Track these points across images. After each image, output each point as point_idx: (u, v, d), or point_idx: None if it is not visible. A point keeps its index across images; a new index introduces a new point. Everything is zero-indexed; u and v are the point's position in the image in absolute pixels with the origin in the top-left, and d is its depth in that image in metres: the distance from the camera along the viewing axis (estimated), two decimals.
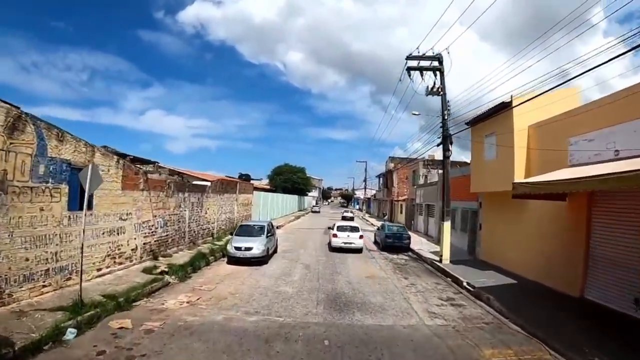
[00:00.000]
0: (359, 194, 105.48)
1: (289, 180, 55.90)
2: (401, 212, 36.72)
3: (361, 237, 18.71)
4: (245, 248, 13.95)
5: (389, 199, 44.64)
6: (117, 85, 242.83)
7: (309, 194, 77.71)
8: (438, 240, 24.25)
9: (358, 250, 18.21)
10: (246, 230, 15.36)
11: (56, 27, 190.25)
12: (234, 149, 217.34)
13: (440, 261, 15.99)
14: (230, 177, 25.15)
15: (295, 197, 55.62)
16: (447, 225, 16.18)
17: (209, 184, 19.00)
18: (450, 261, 16.05)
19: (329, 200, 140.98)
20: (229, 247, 14.41)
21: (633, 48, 7.29)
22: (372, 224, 39.12)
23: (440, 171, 31.21)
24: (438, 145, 17.70)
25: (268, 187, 55.38)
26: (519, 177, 13.27)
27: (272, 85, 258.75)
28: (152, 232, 13.58)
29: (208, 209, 18.81)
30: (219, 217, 20.43)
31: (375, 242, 21.79)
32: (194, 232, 17.31)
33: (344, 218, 32.07)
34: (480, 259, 17.10)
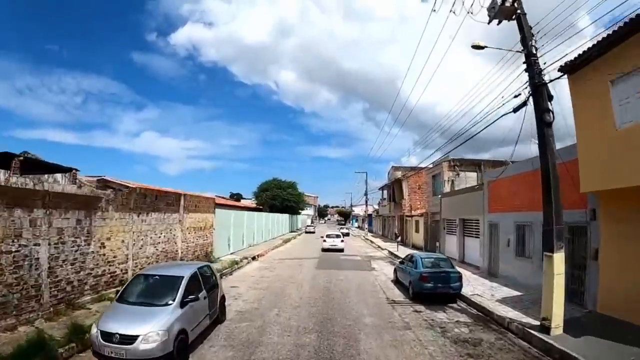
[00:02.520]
0: (358, 210, 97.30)
1: (278, 197, 47.77)
2: (417, 231, 28.62)
3: (342, 241, 26.33)
4: (122, 338, 5.93)
5: (397, 214, 36.56)
6: (111, 108, 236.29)
7: (303, 212, 69.45)
8: (489, 273, 16.22)
9: (340, 250, 24.91)
10: (142, 290, 7.30)
11: (50, 50, 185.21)
12: (229, 169, 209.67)
13: (547, 330, 8.01)
14: (207, 194, 16.77)
15: (286, 216, 47.38)
16: (559, 259, 8.18)
17: (109, 193, 10.92)
18: (563, 329, 8.14)
19: (326, 219, 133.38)
20: (93, 329, 6.35)
21: None
22: (377, 247, 30.93)
23: (470, 174, 23.42)
24: (515, 111, 9.95)
25: (254, 205, 47.28)
26: None
27: (265, 105, 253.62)
28: None
29: (108, 238, 10.74)
30: (140, 251, 12.28)
31: (397, 282, 13.65)
32: (70, 283, 9.29)
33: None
34: (601, 313, 9.34)
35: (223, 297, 9.02)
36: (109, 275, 10.80)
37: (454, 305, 11.07)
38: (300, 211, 58.79)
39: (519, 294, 12.27)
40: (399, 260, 14.20)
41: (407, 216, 31.73)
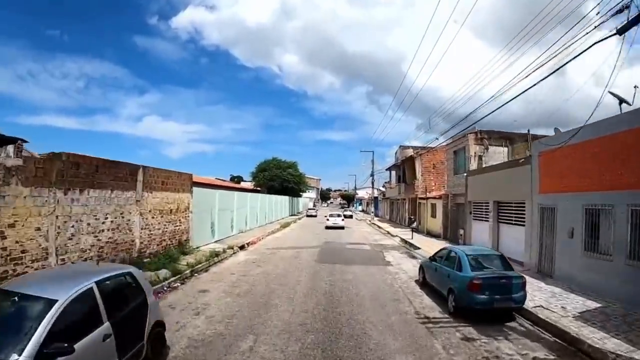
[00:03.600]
0: (362, 193, 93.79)
1: (277, 178, 44.21)
2: (433, 216, 25.04)
3: (343, 219, 31.40)
4: None
5: (408, 196, 32.96)
6: (114, 92, 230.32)
7: (305, 194, 66.07)
8: (539, 271, 12.70)
9: (341, 227, 29.16)
10: None
11: (52, 36, 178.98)
12: (231, 152, 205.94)
13: None
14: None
15: (285, 198, 43.94)
16: None
17: (10, 160, 7.38)
18: None
19: (329, 202, 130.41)
20: None
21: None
22: (387, 233, 27.49)
23: (499, 149, 19.69)
24: (621, 32, 6.37)
25: (251, 187, 43.91)
26: None
27: (268, 88, 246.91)
28: None
29: (11, 225, 7.35)
30: (69, 243, 8.80)
31: (425, 285, 10.14)
32: None
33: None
34: None
35: (158, 325, 5.46)
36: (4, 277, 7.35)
37: (514, 324, 7.60)
38: (301, 193, 55.32)
39: (598, 305, 8.79)
40: (429, 256, 10.61)
41: (420, 199, 28.12)
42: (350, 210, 61.04)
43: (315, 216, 48.41)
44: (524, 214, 13.42)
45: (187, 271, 11.30)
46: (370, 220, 42.75)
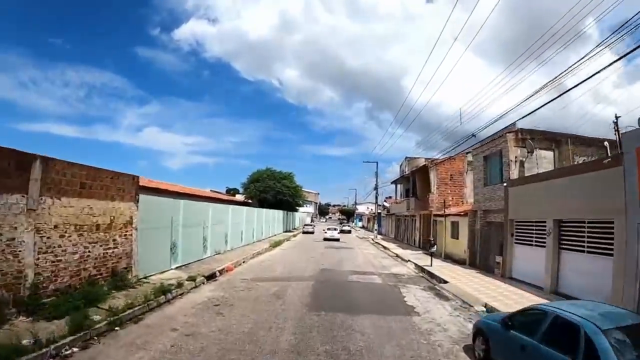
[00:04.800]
0: (362, 209, 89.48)
1: (270, 190, 39.99)
2: (454, 236, 20.76)
3: (339, 233, 36.37)
4: None
5: (419, 213, 28.73)
6: (114, 102, 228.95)
7: (302, 209, 61.73)
8: None
9: (336, 240, 33.53)
10: None
11: (54, 44, 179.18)
12: (230, 165, 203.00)
13: None
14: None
15: (279, 212, 39.66)
16: None
17: None
18: None
19: (327, 217, 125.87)
20: None
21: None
22: (396, 257, 23.21)
23: (547, 153, 15.66)
24: None
25: (241, 200, 39.83)
26: None
27: (268, 101, 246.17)
28: None
29: None
30: None
31: None
32: None
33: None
34: None
35: None
36: None
37: None
38: (297, 207, 50.97)
39: None
40: (497, 316, 6.41)
41: (436, 215, 23.90)
42: (348, 226, 58.00)
43: (313, 232, 44.04)
44: (609, 238, 9.29)
45: (102, 324, 7.10)
46: (373, 239, 38.34)
